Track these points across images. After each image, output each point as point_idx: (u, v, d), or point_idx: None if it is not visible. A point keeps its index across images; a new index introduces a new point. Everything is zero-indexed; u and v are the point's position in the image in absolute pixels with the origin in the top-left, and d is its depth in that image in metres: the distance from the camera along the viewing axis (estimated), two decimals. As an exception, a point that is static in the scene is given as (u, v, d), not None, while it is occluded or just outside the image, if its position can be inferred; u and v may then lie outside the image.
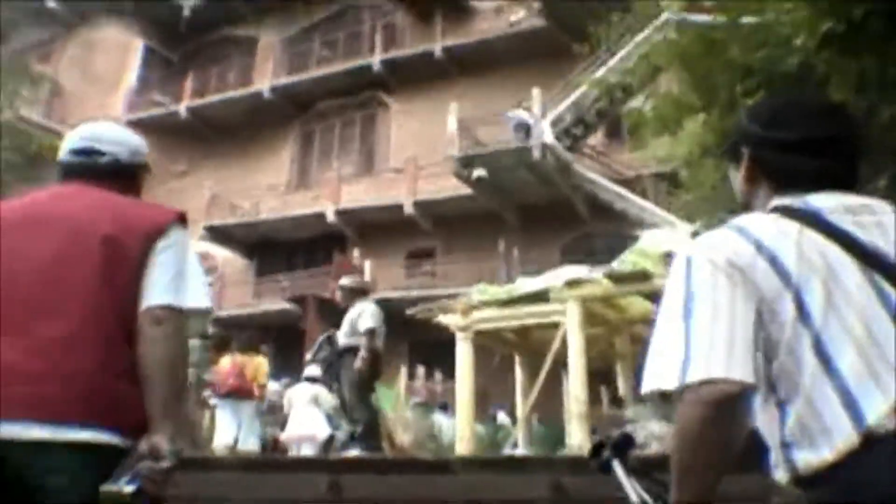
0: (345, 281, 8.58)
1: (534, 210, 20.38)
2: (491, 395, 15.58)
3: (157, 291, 1.93)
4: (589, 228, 20.35)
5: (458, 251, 21.20)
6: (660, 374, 1.46)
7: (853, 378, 1.36)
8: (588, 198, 19.24)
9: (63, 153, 2.19)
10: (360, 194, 22.93)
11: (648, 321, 13.67)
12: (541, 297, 12.50)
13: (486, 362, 13.94)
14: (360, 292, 8.27)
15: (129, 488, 1.73)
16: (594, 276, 12.07)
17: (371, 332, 7.66)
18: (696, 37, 8.27)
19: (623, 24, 15.54)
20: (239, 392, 9.68)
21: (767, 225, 1.52)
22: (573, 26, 20.46)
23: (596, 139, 20.67)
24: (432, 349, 17.14)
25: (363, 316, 7.78)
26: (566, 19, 20.82)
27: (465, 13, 24.59)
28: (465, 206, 20.75)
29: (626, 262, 12.11)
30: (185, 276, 2.00)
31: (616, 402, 12.82)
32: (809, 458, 1.40)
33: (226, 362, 9.83)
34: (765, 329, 1.44)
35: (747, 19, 6.98)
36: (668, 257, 11.63)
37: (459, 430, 12.82)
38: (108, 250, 1.92)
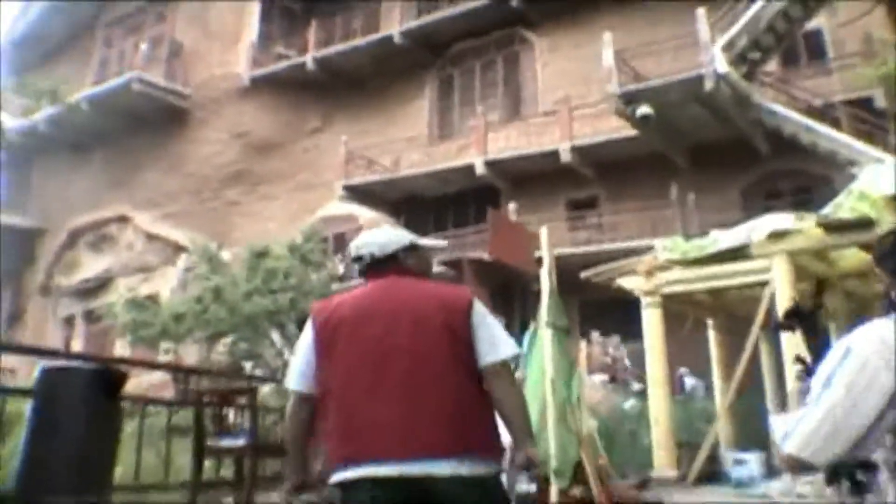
0: None
1: (707, 150, 19.32)
2: (674, 359, 14.69)
3: (487, 353, 2.81)
4: (771, 167, 19.28)
5: (625, 200, 20.41)
6: (780, 427, 1.93)
7: None
8: (769, 133, 18.12)
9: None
10: (510, 142, 22.33)
11: (864, 275, 12.69)
12: (738, 252, 11.70)
13: (672, 325, 13.13)
14: None
15: (532, 487, 3.18)
16: (803, 226, 11.20)
17: None
18: None
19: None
20: None
21: None
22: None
23: (771, 66, 19.41)
24: (606, 309, 16.51)
25: None
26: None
27: (612, -70, 23.32)
28: (629, 149, 19.88)
29: (842, 207, 11.13)
30: (496, 335, 2.87)
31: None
32: None
33: None
34: None
35: None
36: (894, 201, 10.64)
37: (654, 412, 12.14)
38: (448, 333, 2.79)
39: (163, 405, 7.93)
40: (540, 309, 7.30)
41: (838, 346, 1.88)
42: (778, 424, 1.92)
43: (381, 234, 3.13)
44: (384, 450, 2.64)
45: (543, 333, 7.24)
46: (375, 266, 3.04)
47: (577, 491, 6.55)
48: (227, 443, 6.69)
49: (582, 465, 6.69)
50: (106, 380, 4.46)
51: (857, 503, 1.98)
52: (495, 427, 2.84)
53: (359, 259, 3.08)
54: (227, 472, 7.40)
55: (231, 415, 6.89)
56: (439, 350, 2.75)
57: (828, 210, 11.21)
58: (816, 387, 1.86)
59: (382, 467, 2.62)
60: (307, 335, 2.92)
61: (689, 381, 14.40)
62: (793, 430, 1.85)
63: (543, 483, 6.33)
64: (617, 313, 16.99)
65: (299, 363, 2.92)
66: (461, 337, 2.79)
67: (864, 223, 10.64)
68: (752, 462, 9.69)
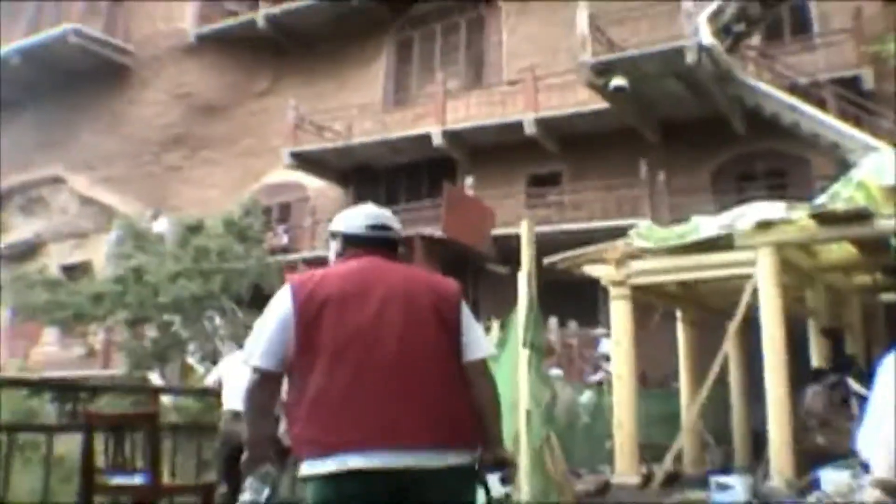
0: None
1: (680, 127, 18.35)
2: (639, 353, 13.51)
3: (473, 349, 2.83)
4: (745, 148, 18.39)
5: (591, 177, 19.42)
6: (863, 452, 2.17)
7: None
8: (747, 111, 17.05)
9: (356, 227, 2.92)
10: (470, 112, 21.24)
11: (846, 269, 11.70)
12: (720, 241, 10.70)
13: (638, 316, 12.07)
14: None
15: (506, 488, 2.91)
16: (794, 216, 10.17)
17: None
18: None
19: None
20: None
21: None
22: None
23: (753, 39, 18.36)
24: (563, 292, 15.47)
25: None
26: None
27: None
28: (597, 124, 18.90)
29: (839, 196, 10.10)
30: (479, 333, 2.93)
31: (813, 375, 10.76)
32: None
33: None
34: None
35: None
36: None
37: (618, 413, 11.25)
38: (438, 320, 2.76)
39: (40, 432, 6.62)
40: (514, 322, 6.01)
41: (888, 367, 2.11)
42: (862, 448, 2.12)
43: (391, 215, 3.05)
44: (374, 440, 2.56)
45: (520, 354, 5.94)
46: (376, 244, 2.92)
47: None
48: (119, 480, 5.53)
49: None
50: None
51: None
52: (476, 419, 2.80)
53: (382, 229, 2.93)
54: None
55: (128, 445, 5.62)
56: (429, 337, 2.73)
57: (823, 199, 10.32)
58: (879, 408, 2.05)
59: (372, 458, 2.54)
60: (283, 308, 2.71)
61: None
62: (873, 455, 2.04)
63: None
64: (573, 297, 15.93)
65: (269, 338, 2.71)
66: (451, 326, 2.79)
67: (861, 215, 9.66)
68: (738, 487, 8.54)
